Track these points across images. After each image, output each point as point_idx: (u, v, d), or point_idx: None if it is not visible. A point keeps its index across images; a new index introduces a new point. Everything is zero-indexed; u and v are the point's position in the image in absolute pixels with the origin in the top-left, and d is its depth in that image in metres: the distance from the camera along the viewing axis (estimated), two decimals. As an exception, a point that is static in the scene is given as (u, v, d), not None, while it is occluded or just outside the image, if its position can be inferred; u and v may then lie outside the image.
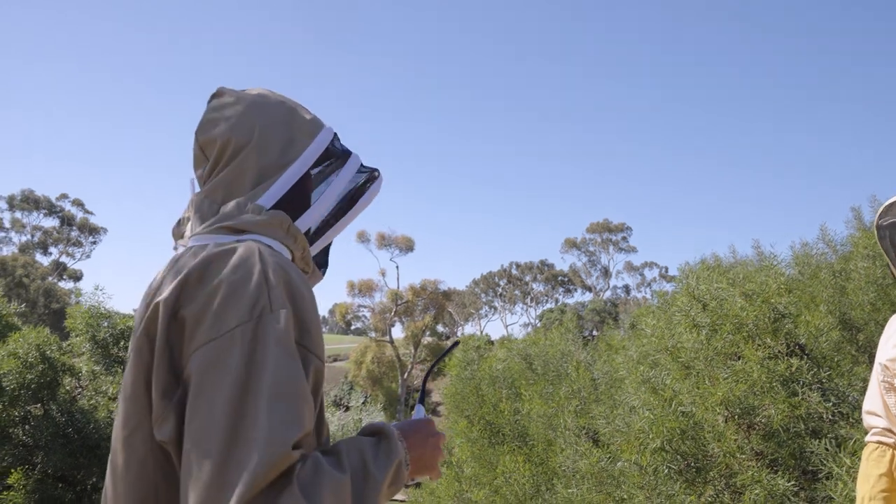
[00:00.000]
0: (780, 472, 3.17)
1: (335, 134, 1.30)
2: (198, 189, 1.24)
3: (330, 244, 1.37)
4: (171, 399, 0.97)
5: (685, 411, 3.51)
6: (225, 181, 1.17)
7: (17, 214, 43.42)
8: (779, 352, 3.61)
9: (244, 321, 0.95)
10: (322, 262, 1.36)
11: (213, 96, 1.26)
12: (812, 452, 3.13)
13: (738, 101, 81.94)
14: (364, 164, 1.32)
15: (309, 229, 1.23)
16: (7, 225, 43.12)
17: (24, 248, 42.52)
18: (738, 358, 3.63)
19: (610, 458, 3.68)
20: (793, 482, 3.09)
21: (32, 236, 43.68)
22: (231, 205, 1.13)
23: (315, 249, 1.26)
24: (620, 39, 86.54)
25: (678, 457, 3.46)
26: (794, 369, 3.42)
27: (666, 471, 3.37)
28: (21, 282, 35.59)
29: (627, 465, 3.42)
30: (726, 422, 3.45)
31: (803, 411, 3.31)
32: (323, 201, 1.22)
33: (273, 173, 1.18)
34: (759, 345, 3.62)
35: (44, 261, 42.48)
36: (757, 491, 3.06)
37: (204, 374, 0.93)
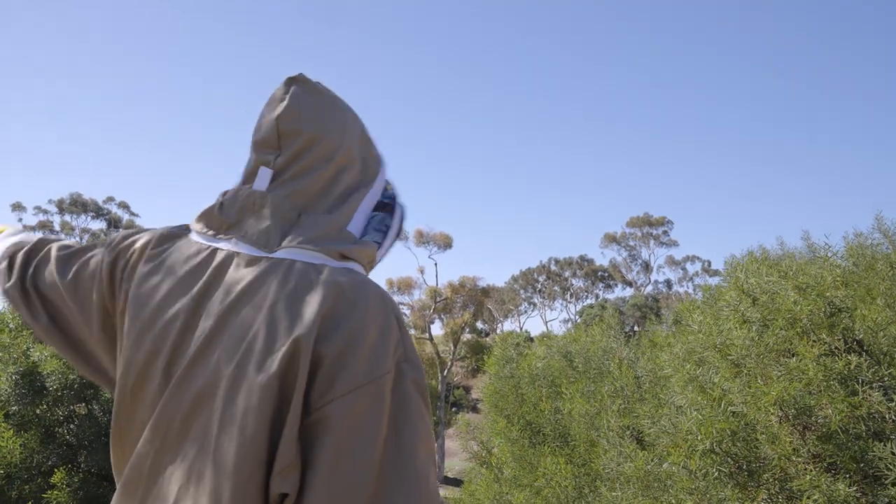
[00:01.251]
0: (839, 477, 2.99)
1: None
2: (266, 181, 1.07)
3: None
4: (297, 447, 0.85)
5: (736, 411, 3.34)
6: (306, 187, 1.04)
7: (67, 217, 44.72)
8: (836, 348, 3.41)
9: (390, 370, 0.88)
10: None
11: (295, 81, 1.09)
12: (875, 456, 2.94)
13: (784, 86, 79.94)
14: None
15: None
16: (57, 228, 44.45)
17: (73, 251, 43.72)
18: (792, 355, 3.45)
19: (656, 460, 3.53)
20: (854, 487, 2.91)
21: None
22: (325, 222, 1.02)
23: None
24: (659, 32, 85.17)
25: (728, 459, 3.30)
26: (852, 367, 3.22)
27: (716, 474, 3.21)
28: (71, 283, 36.57)
29: (675, 467, 3.27)
30: (780, 422, 3.27)
31: (864, 411, 3.11)
32: (389, 237, 1.13)
33: (354, 194, 1.07)
34: (815, 341, 3.42)
35: (92, 263, 43.65)
36: (816, 496, 2.88)
37: (350, 425, 0.84)
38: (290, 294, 0.93)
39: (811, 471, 3.05)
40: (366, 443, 0.83)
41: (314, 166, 1.06)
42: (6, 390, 5.18)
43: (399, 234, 1.16)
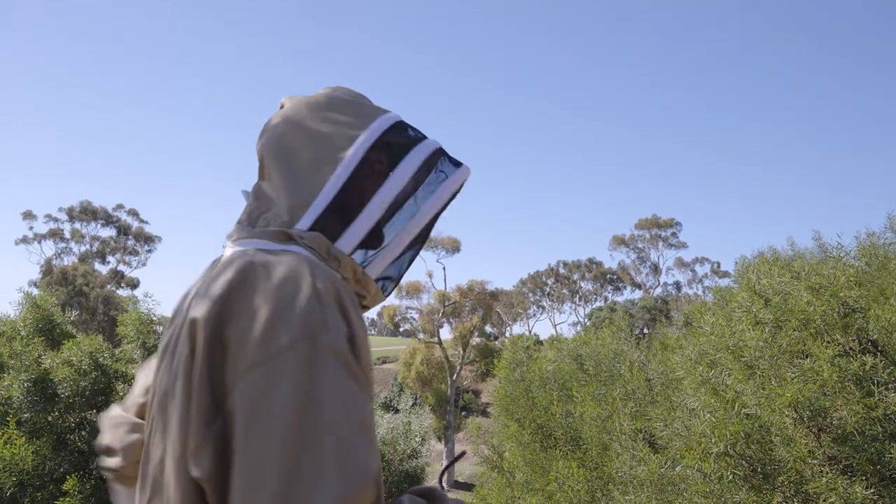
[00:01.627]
0: (856, 479, 2.95)
1: (395, 123, 1.12)
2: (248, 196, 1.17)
3: (402, 257, 1.17)
4: (210, 429, 0.85)
5: (750, 413, 3.31)
6: (266, 186, 1.09)
7: (77, 225, 44.95)
8: (850, 349, 3.37)
9: (297, 340, 0.83)
10: (392, 275, 1.19)
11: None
12: (892, 458, 2.90)
13: (793, 87, 79.60)
14: (440, 156, 1.14)
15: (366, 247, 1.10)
16: (67, 236, 44.68)
17: (83, 258, 43.98)
18: (806, 356, 3.41)
19: (669, 463, 3.50)
20: (871, 490, 2.87)
21: (91, 246, 45.15)
22: (279, 211, 1.03)
23: (374, 270, 1.10)
24: (668, 33, 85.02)
25: (743, 462, 3.26)
26: (867, 367, 3.19)
27: (730, 477, 3.18)
28: (81, 290, 36.81)
29: (689, 471, 3.24)
30: (795, 424, 3.23)
31: (880, 413, 3.07)
32: (366, 216, 1.04)
33: (312, 176, 1.05)
34: (829, 342, 3.39)
35: (102, 269, 43.87)
36: (832, 499, 2.85)
37: (254, 403, 0.82)
38: (207, 282, 0.94)
39: (827, 473, 3.01)
40: (271, 418, 0.80)
41: (272, 168, 1.08)
42: (18, 397, 5.20)
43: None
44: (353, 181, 1.05)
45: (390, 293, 1.19)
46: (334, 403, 0.82)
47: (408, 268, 1.20)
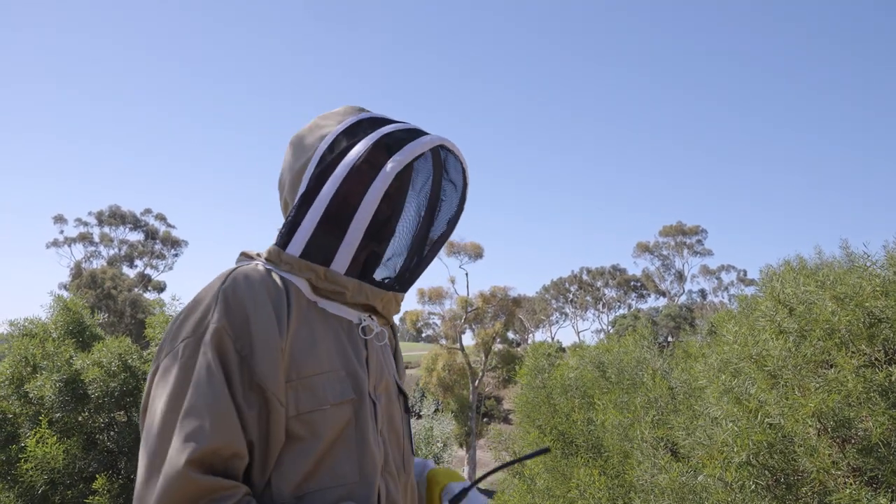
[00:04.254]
0: (881, 490, 2.93)
1: (331, 141, 1.19)
2: None
3: (395, 256, 1.27)
4: None
5: (773, 423, 3.29)
6: None
7: (106, 229, 45.68)
8: (875, 359, 3.34)
9: (187, 337, 1.01)
10: (382, 273, 1.27)
11: None
12: (918, 469, 2.87)
13: (821, 93, 78.43)
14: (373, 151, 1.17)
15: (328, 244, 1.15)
16: (96, 239, 45.41)
17: (111, 262, 44.68)
18: (831, 366, 3.39)
19: (691, 472, 3.49)
20: (896, 502, 2.85)
21: (119, 250, 45.84)
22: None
23: (339, 265, 1.14)
24: (694, 41, 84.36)
25: (765, 472, 3.25)
26: (893, 378, 3.16)
27: (753, 487, 3.16)
28: (110, 293, 37.39)
29: (711, 479, 3.23)
30: (819, 435, 3.21)
31: (906, 424, 3.04)
32: (308, 220, 1.14)
33: (291, 208, 1.17)
34: (854, 352, 3.36)
35: (130, 273, 44.52)
36: (856, 510, 2.82)
37: (153, 389, 1.01)
38: None
39: (851, 484, 2.99)
40: (157, 402, 1.00)
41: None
42: (50, 397, 5.31)
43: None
44: (305, 201, 1.16)
45: (397, 288, 1.24)
46: (190, 393, 0.97)
47: (411, 259, 1.26)
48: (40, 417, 5.23)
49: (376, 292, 1.19)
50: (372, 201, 1.12)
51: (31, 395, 5.42)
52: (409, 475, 1.25)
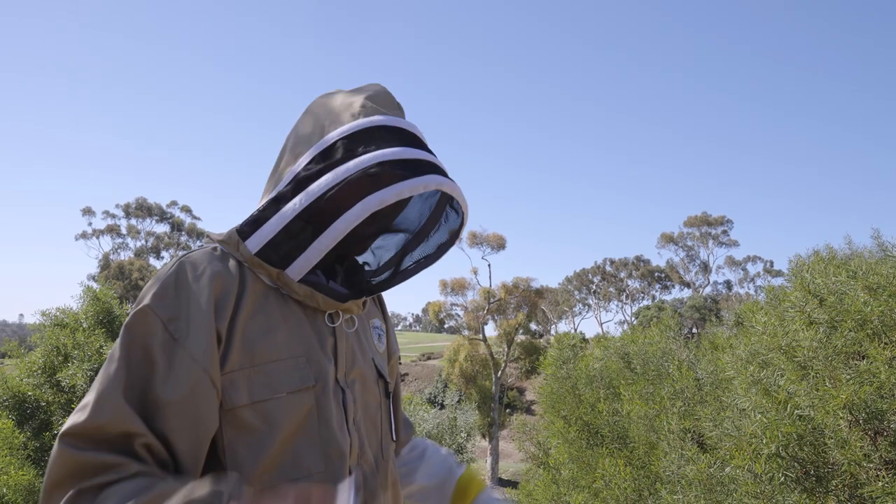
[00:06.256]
0: (914, 484, 2.88)
1: (325, 147, 1.10)
2: None
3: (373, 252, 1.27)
4: None
5: (802, 415, 3.25)
6: None
7: (133, 221, 46.36)
8: (909, 351, 3.28)
9: (128, 317, 1.02)
10: (370, 261, 1.27)
11: None
12: (953, 462, 2.82)
13: (847, 82, 76.93)
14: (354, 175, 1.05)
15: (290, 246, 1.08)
16: (124, 231, 46.12)
17: (139, 253, 45.36)
18: (863, 357, 3.33)
19: (718, 463, 3.46)
20: (930, 495, 2.80)
21: (146, 241, 46.52)
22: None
23: (294, 273, 1.08)
24: (719, 33, 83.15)
25: (795, 464, 3.21)
26: (928, 370, 3.10)
27: (782, 479, 3.13)
28: (137, 284, 37.98)
29: (739, 471, 3.20)
30: (850, 427, 3.16)
31: (941, 416, 2.99)
32: (273, 223, 1.07)
33: (262, 202, 1.13)
34: (887, 343, 3.30)
35: (156, 264, 45.14)
36: (889, 503, 2.78)
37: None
38: None
39: (884, 477, 2.94)
40: None
41: None
42: (82, 386, 5.42)
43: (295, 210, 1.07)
44: (277, 201, 1.09)
45: (353, 297, 1.17)
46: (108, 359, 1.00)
47: (380, 271, 1.25)
48: (72, 405, 5.33)
49: (329, 302, 1.13)
50: (339, 230, 1.05)
51: (63, 384, 5.53)
52: (388, 461, 1.22)
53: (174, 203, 47.50)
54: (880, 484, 2.86)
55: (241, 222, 1.11)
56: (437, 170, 1.11)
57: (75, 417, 0.94)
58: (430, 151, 1.14)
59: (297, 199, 1.06)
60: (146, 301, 1.00)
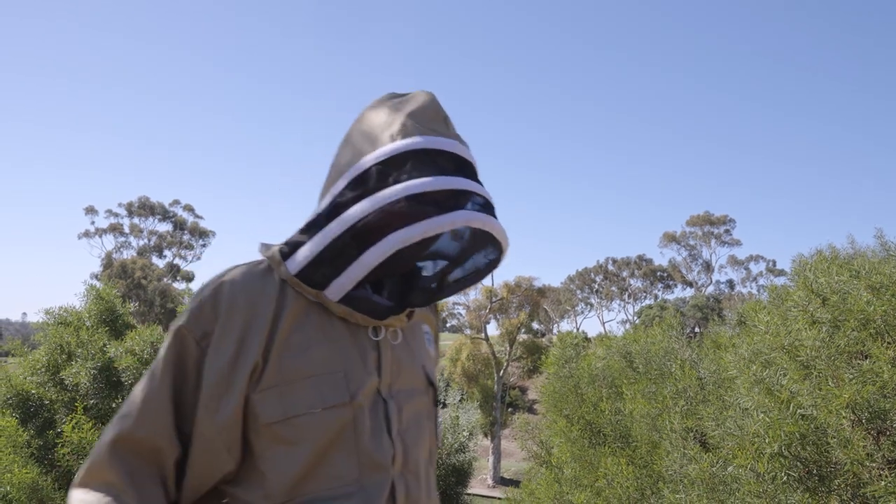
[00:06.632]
0: (917, 483, 2.88)
1: (361, 172, 1.08)
2: None
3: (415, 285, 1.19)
4: None
5: (805, 414, 3.25)
6: None
7: (135, 220, 46.38)
8: (912, 350, 3.28)
9: (169, 334, 1.09)
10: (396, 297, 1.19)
11: None
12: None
13: (847, 81, 76.80)
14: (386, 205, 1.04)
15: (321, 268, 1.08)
16: (126, 230, 46.13)
17: (141, 252, 45.37)
18: (865, 357, 3.33)
19: (721, 462, 3.46)
20: (933, 494, 2.80)
21: (149, 240, 46.50)
22: None
23: (333, 294, 1.08)
24: (718, 30, 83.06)
25: (798, 463, 3.21)
26: (931, 370, 3.10)
27: (784, 478, 3.13)
28: (140, 283, 38.03)
29: (742, 471, 3.21)
30: (853, 426, 3.17)
31: (944, 416, 2.99)
32: (310, 247, 1.08)
33: (303, 224, 1.15)
34: (889, 342, 3.30)
35: (159, 263, 45.19)
36: (892, 503, 2.78)
37: None
38: None
39: (887, 476, 2.95)
40: None
41: None
42: (85, 384, 5.43)
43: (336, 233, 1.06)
44: (314, 225, 1.10)
45: (395, 312, 1.16)
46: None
47: (420, 289, 1.19)
48: (76, 403, 5.35)
49: (367, 320, 1.13)
50: (367, 264, 1.05)
51: (66, 382, 5.55)
52: (432, 468, 1.23)
53: (177, 202, 47.48)
54: (883, 483, 2.87)
55: (285, 240, 1.12)
56: (470, 200, 1.08)
57: (121, 424, 1.05)
58: (468, 174, 1.11)
59: (331, 226, 1.06)
60: (182, 320, 1.07)
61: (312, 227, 1.08)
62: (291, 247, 1.09)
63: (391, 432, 1.12)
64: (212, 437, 1.04)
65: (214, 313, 1.06)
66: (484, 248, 1.20)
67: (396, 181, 1.04)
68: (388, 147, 1.08)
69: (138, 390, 1.06)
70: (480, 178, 1.15)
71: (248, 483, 1.06)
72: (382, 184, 1.05)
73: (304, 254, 1.07)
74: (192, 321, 1.06)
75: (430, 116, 1.14)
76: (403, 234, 1.03)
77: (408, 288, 1.19)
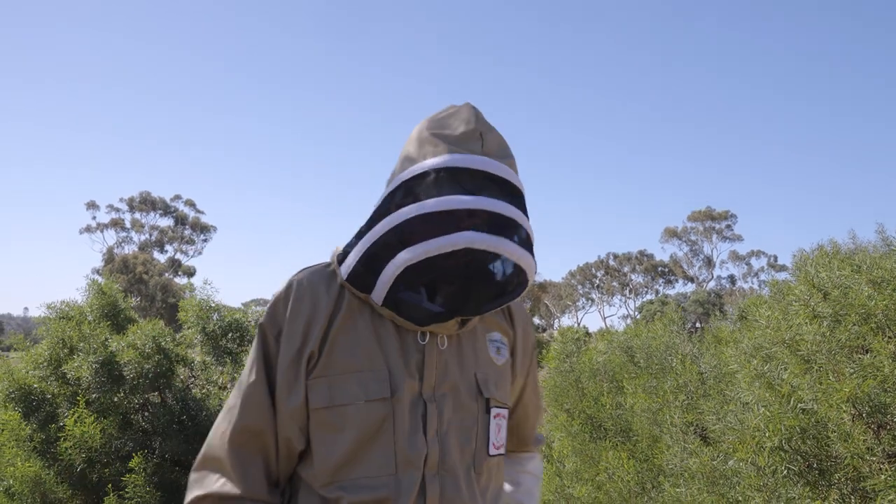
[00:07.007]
0: (917, 477, 2.88)
1: (408, 179, 1.15)
2: None
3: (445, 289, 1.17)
4: None
5: (806, 408, 3.26)
6: None
7: (137, 215, 46.46)
8: (913, 345, 3.28)
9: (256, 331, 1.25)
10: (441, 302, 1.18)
11: None
12: (956, 456, 2.82)
13: (851, 75, 76.58)
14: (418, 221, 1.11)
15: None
16: (128, 225, 46.22)
17: (143, 247, 45.47)
18: (866, 351, 3.34)
19: (721, 456, 3.47)
20: (933, 488, 2.80)
21: (150, 235, 46.62)
22: None
23: (377, 297, 1.16)
24: (721, 24, 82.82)
25: (798, 457, 3.22)
26: (931, 364, 3.10)
27: (785, 472, 3.14)
28: (141, 278, 38.11)
29: (742, 464, 3.22)
30: (853, 420, 3.17)
31: (944, 410, 2.99)
32: (354, 253, 1.20)
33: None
34: (890, 337, 3.31)
35: (161, 258, 45.27)
36: (891, 496, 2.79)
37: None
38: None
39: (887, 470, 2.95)
40: None
41: None
42: (87, 378, 5.44)
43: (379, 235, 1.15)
44: (360, 233, 1.21)
45: (440, 319, 1.17)
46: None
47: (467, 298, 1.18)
48: (78, 398, 5.36)
49: (408, 325, 1.20)
50: (384, 282, 1.15)
51: (68, 376, 5.56)
52: (482, 475, 1.24)
53: (178, 197, 47.54)
54: (883, 477, 2.87)
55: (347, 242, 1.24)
56: (481, 221, 1.10)
57: (229, 415, 1.20)
58: (494, 193, 1.13)
59: (367, 236, 1.17)
60: (264, 318, 1.22)
61: (360, 234, 1.20)
62: (344, 252, 1.22)
63: (427, 432, 1.18)
64: (287, 419, 1.17)
65: (285, 310, 1.20)
66: (512, 271, 1.19)
67: (414, 202, 1.12)
68: (416, 166, 1.16)
69: (241, 383, 1.21)
70: (521, 192, 1.22)
71: (304, 462, 1.19)
72: (403, 202, 1.14)
73: (350, 261, 1.19)
74: (269, 318, 1.21)
75: (464, 133, 1.18)
76: (406, 255, 1.11)
77: (464, 297, 1.17)
